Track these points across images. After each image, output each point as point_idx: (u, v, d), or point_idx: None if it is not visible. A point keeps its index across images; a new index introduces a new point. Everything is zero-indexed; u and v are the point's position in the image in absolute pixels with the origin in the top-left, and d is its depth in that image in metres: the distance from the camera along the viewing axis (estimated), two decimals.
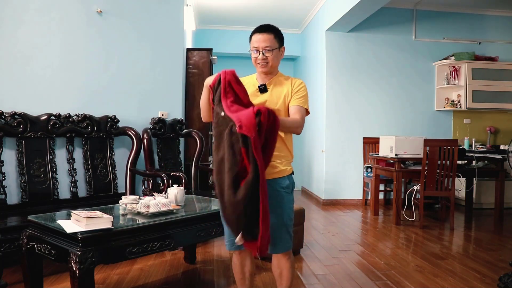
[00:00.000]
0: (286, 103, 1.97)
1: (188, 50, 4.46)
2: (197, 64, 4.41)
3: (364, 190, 5.88)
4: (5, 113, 3.10)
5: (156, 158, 3.80)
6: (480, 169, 4.80)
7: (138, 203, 2.42)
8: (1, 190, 3.01)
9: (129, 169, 3.55)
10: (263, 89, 1.97)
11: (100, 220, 1.98)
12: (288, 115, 1.95)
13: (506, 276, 2.53)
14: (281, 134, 1.94)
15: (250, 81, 2.03)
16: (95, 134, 3.52)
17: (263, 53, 1.92)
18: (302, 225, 3.46)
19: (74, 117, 3.43)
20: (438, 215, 5.19)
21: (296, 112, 1.92)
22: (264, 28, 1.95)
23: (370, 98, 6.01)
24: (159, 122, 3.81)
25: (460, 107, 5.94)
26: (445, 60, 5.97)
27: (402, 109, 6.07)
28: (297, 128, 1.90)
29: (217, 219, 2.49)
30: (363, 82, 6.00)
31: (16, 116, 3.12)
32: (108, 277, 2.83)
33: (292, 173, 2.03)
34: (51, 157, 3.29)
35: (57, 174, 3.30)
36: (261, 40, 1.92)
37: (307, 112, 1.98)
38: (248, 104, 1.76)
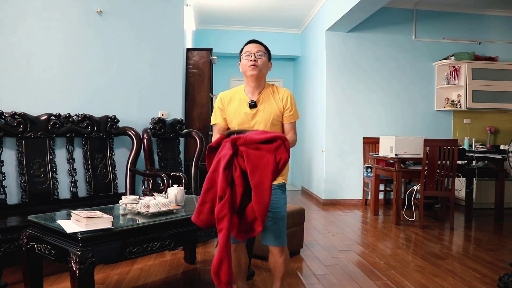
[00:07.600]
0: (279, 119, 2.16)
1: (188, 50, 4.46)
2: (197, 64, 4.41)
3: (364, 190, 5.88)
4: (5, 113, 3.10)
5: (156, 158, 3.80)
6: (480, 169, 4.80)
7: (138, 203, 2.42)
8: (1, 190, 3.01)
9: (129, 169, 3.55)
10: (253, 105, 2.13)
11: (100, 220, 1.98)
12: (282, 129, 2.19)
13: (506, 276, 2.54)
14: None
15: (238, 95, 2.18)
16: (95, 134, 3.52)
17: (255, 55, 2.11)
18: (302, 225, 3.46)
19: (74, 117, 3.43)
20: (438, 215, 5.19)
21: (290, 129, 2.17)
22: (255, 41, 2.20)
23: (370, 98, 6.01)
24: (159, 122, 3.81)
25: (460, 107, 5.94)
26: (445, 60, 5.97)
27: (402, 109, 6.07)
28: (294, 144, 2.14)
29: None
30: (363, 82, 6.00)
31: (16, 116, 3.12)
32: (108, 277, 2.83)
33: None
34: (51, 157, 3.29)
35: (57, 174, 3.30)
36: (253, 46, 2.14)
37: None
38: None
